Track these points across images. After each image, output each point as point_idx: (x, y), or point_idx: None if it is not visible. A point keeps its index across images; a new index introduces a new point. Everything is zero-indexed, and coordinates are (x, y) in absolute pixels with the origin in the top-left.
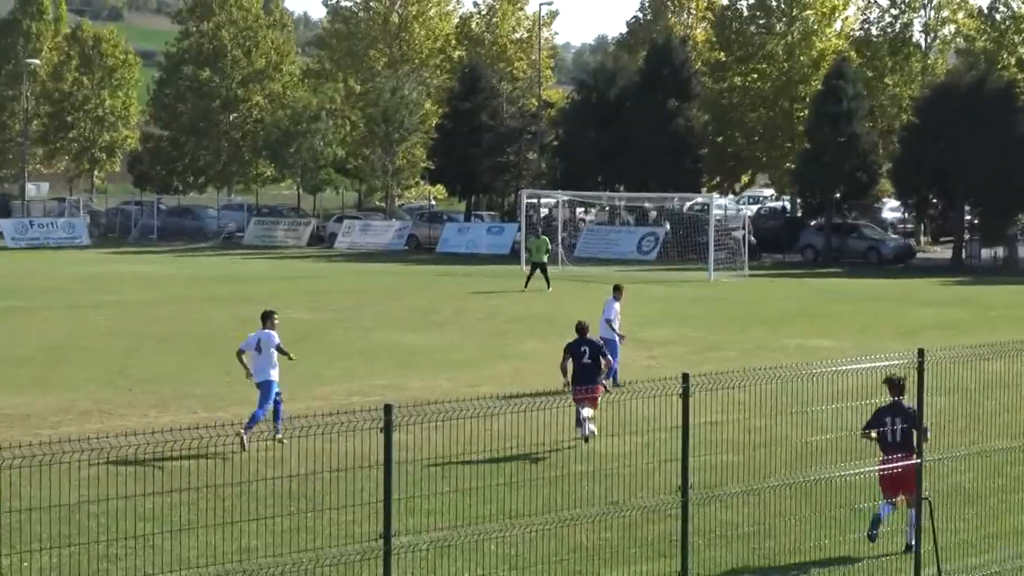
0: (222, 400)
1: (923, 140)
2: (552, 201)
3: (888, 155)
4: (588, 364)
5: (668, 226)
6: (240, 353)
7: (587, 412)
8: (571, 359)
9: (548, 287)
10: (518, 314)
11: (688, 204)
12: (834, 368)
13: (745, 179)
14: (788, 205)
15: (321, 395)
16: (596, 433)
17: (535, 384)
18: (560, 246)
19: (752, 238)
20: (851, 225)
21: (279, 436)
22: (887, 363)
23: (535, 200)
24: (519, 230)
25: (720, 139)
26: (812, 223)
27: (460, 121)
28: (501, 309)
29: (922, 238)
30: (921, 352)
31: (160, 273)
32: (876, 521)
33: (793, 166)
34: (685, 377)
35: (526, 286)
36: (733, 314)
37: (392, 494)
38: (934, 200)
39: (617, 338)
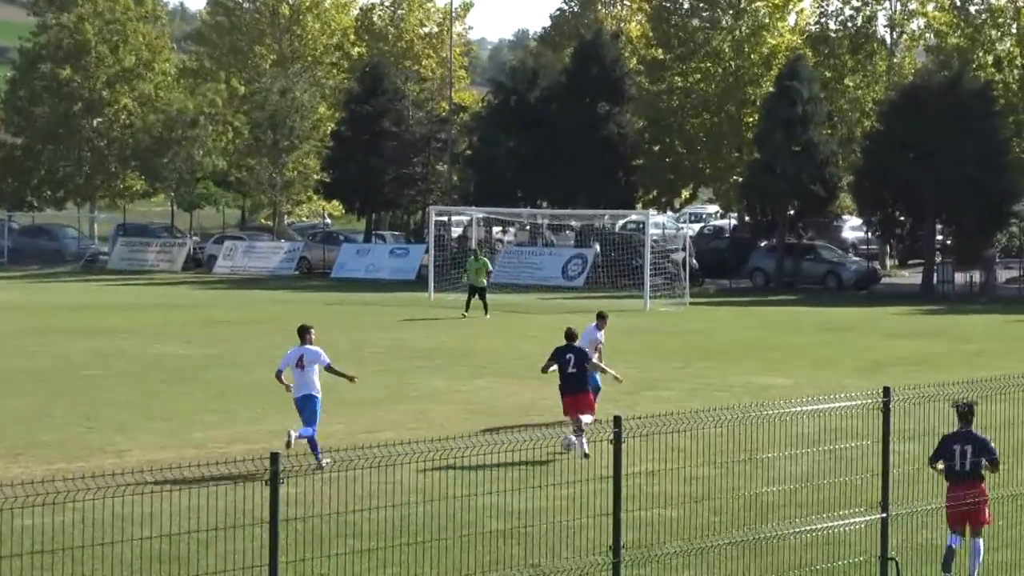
0: (83, 448)
1: (888, 149)
2: (465, 219)
3: (849, 166)
4: (573, 374)
5: (598, 247)
6: (279, 374)
7: (587, 418)
8: (557, 366)
9: (486, 313)
10: (425, 348)
11: (621, 222)
12: (787, 409)
13: (686, 194)
14: (735, 223)
15: (197, 442)
16: (588, 454)
17: (444, 428)
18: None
19: (694, 261)
20: (806, 246)
21: (324, 462)
22: (847, 403)
23: (445, 218)
24: (426, 252)
25: (658, 148)
26: (762, 244)
27: (359, 127)
28: (406, 342)
29: (888, 261)
30: (887, 391)
31: (9, 301)
32: (950, 553)
33: (741, 179)
34: (617, 420)
35: (466, 311)
36: (672, 348)
37: (279, 556)
38: (901, 217)
39: (597, 375)
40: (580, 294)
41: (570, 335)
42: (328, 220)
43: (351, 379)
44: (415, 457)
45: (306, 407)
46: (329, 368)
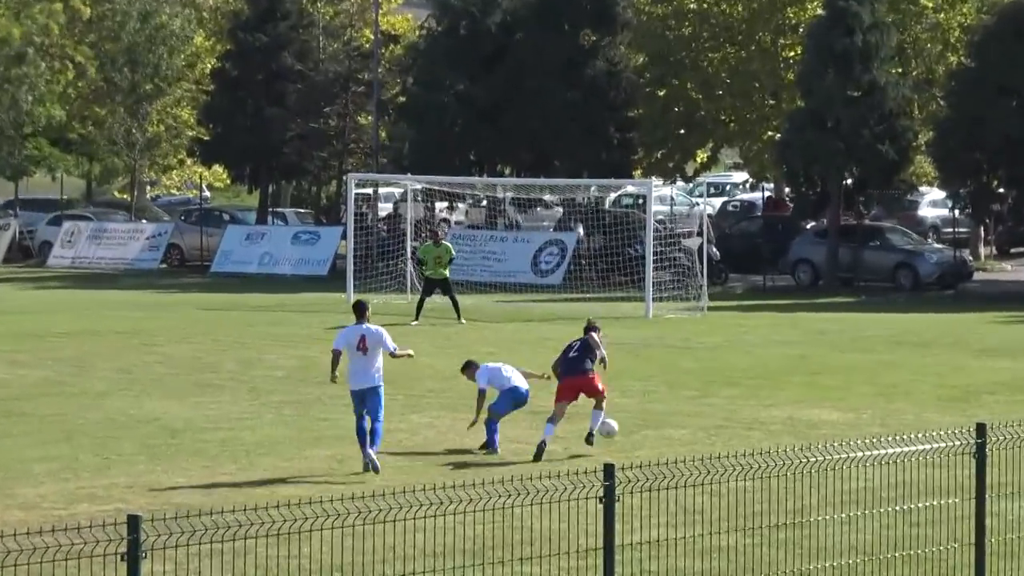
0: None
1: (983, 94)
2: (397, 191)
3: (928, 118)
4: (574, 357)
5: (581, 231)
6: (336, 354)
7: (613, 426)
8: (561, 352)
9: (459, 318)
10: (342, 371)
11: (613, 196)
12: (844, 455)
13: (703, 157)
14: (770, 197)
15: (28, 501)
16: (616, 428)
17: (369, 481)
18: (409, 264)
19: (714, 249)
20: (870, 229)
21: (374, 462)
22: (926, 447)
23: (370, 190)
24: (344, 237)
25: (663, 93)
26: (809, 226)
27: (250, 65)
28: (315, 363)
29: (982, 249)
30: (981, 430)
31: None
32: None
33: (779, 136)
34: (608, 470)
35: (417, 317)
36: (685, 370)
37: None
38: (1001, 189)
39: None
40: (556, 295)
41: (590, 327)
42: (207, 193)
43: (410, 355)
44: (329, 521)
45: (369, 401)
46: (393, 354)
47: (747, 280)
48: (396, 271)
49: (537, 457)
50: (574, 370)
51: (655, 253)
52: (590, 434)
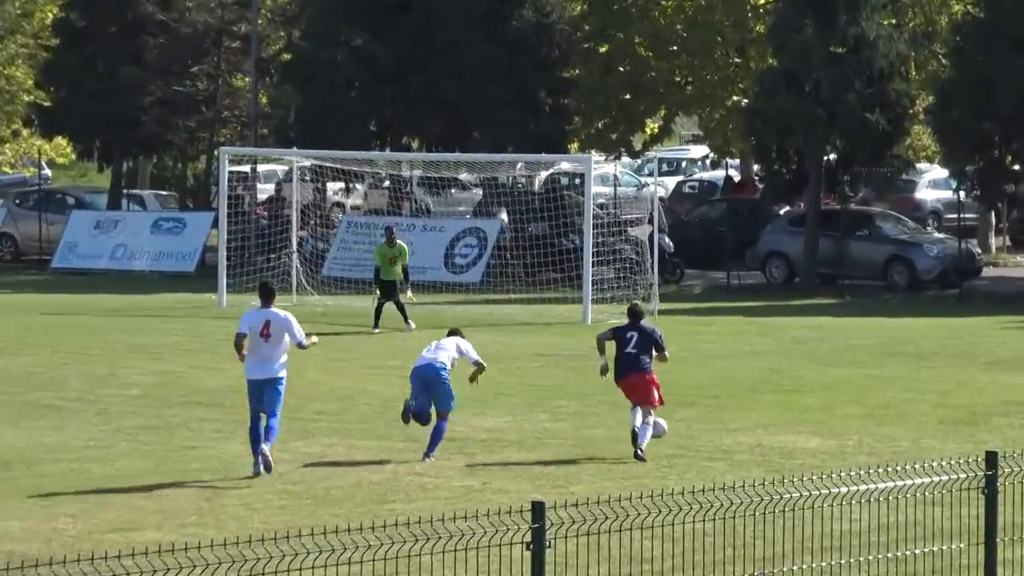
0: None
1: (993, 50)
2: (280, 169)
3: (928, 80)
4: (632, 354)
5: (505, 217)
6: (240, 338)
7: (650, 424)
8: (615, 344)
9: (408, 323)
10: (212, 388)
11: (544, 175)
12: (825, 491)
13: (653, 127)
14: (734, 176)
15: None
16: (666, 428)
17: (246, 526)
18: (294, 258)
19: (667, 240)
20: (858, 215)
21: (267, 460)
22: (925, 480)
23: (247, 168)
24: (215, 225)
25: (604, 49)
26: (782, 211)
27: (100, 15)
28: (180, 379)
29: (993, 239)
30: (992, 460)
31: None
32: None
33: (745, 101)
34: (537, 509)
35: (376, 325)
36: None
37: None
38: (1016, 167)
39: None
40: (474, 295)
41: (635, 312)
42: (48, 172)
43: (314, 342)
44: (195, 573)
45: (267, 393)
46: (300, 346)
47: (707, 277)
48: (280, 267)
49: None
50: (631, 368)
51: (595, 245)
52: (636, 452)
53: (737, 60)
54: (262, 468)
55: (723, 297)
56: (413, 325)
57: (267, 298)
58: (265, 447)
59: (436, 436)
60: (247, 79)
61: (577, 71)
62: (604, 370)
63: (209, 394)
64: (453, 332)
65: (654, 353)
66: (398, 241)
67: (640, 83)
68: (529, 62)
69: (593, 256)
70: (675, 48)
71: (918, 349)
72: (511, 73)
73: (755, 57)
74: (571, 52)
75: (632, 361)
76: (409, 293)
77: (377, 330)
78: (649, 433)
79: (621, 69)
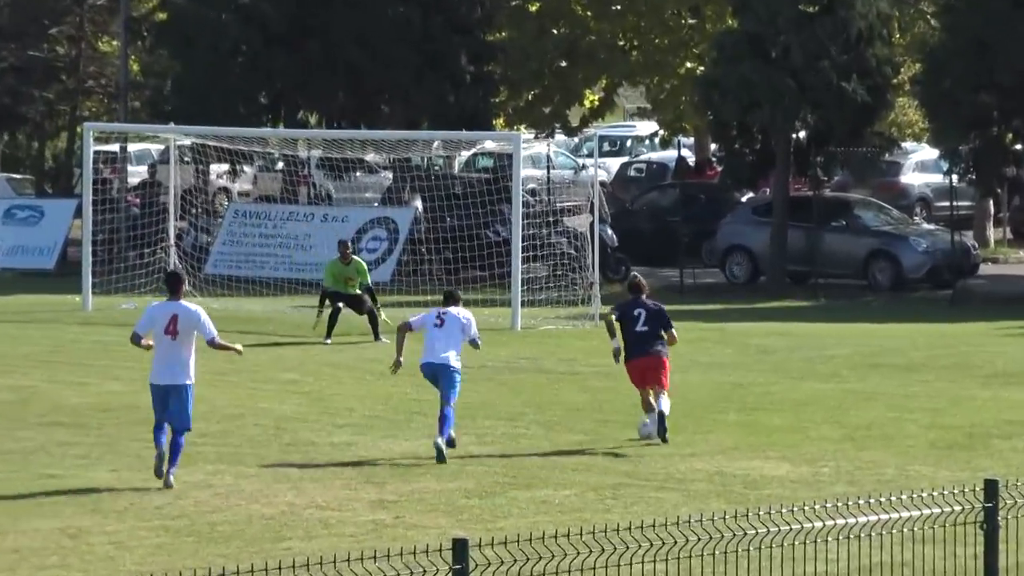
0: None
1: (991, 9)
2: (155, 148)
3: (916, 45)
4: (643, 333)
5: (419, 205)
6: (137, 339)
7: (663, 405)
8: (621, 324)
9: (378, 338)
10: (77, 406)
11: (465, 155)
12: (797, 526)
13: (593, 99)
14: (687, 156)
15: None
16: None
17: (118, 567)
18: (172, 253)
19: (610, 232)
20: (833, 203)
21: (168, 480)
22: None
23: (116, 148)
24: (77, 215)
25: (536, 8)
26: (744, 198)
27: None
28: (39, 396)
29: (991, 231)
30: (991, 489)
31: None
32: None
33: (701, 69)
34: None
35: (329, 335)
36: (569, 404)
37: None
38: (1017, 146)
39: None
40: (384, 297)
41: (637, 285)
42: None
43: (238, 352)
44: None
45: (172, 402)
46: (213, 343)
47: (657, 276)
48: (155, 263)
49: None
50: (643, 349)
51: (525, 238)
52: (662, 432)
53: (691, 21)
54: (165, 485)
55: (676, 299)
56: (385, 340)
57: (175, 289)
58: (170, 473)
59: (445, 422)
60: (115, 42)
61: (504, 34)
62: (617, 354)
63: (72, 413)
64: (450, 297)
65: (662, 333)
66: (354, 257)
67: (577, 48)
68: (447, 23)
69: (523, 251)
70: (619, 7)
71: (905, 360)
72: (426, 36)
73: (712, 17)
74: (496, 11)
75: (645, 341)
76: (383, 315)
77: (329, 341)
78: (667, 407)
79: (555, 31)
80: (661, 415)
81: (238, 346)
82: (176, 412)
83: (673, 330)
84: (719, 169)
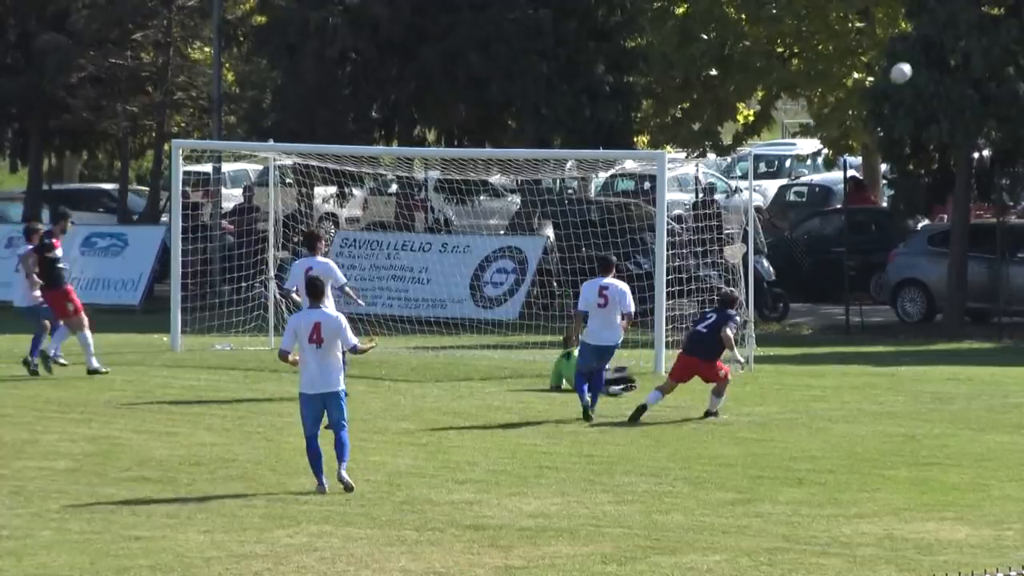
0: None
1: None
2: (253, 169)
3: None
4: (703, 334)
5: (551, 234)
6: (284, 355)
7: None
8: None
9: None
10: (165, 460)
11: (603, 177)
12: None
13: (747, 114)
14: (855, 177)
15: None
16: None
17: None
18: (272, 287)
19: (766, 264)
20: (1020, 231)
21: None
22: None
23: (209, 168)
24: (166, 242)
25: (683, 11)
26: (919, 225)
27: None
28: (122, 447)
29: None
30: None
31: None
32: None
33: (870, 80)
34: None
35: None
36: (720, 456)
37: None
38: None
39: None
40: (511, 336)
41: (730, 300)
42: None
43: (374, 346)
44: None
45: (332, 408)
46: (355, 350)
47: (819, 314)
48: (252, 298)
49: (633, 419)
50: (694, 349)
51: (670, 270)
52: (707, 412)
53: (859, 25)
54: (327, 486)
55: (841, 340)
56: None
57: (317, 296)
58: (342, 471)
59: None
60: (207, 49)
61: (647, 40)
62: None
63: (159, 467)
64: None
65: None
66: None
67: (730, 57)
68: (582, 28)
69: (668, 285)
70: (776, 9)
71: None
72: (558, 43)
73: (883, 21)
74: (638, 15)
75: (696, 341)
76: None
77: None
78: (719, 402)
79: (705, 36)
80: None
81: (374, 341)
82: (336, 418)
83: (725, 331)
84: (890, 193)
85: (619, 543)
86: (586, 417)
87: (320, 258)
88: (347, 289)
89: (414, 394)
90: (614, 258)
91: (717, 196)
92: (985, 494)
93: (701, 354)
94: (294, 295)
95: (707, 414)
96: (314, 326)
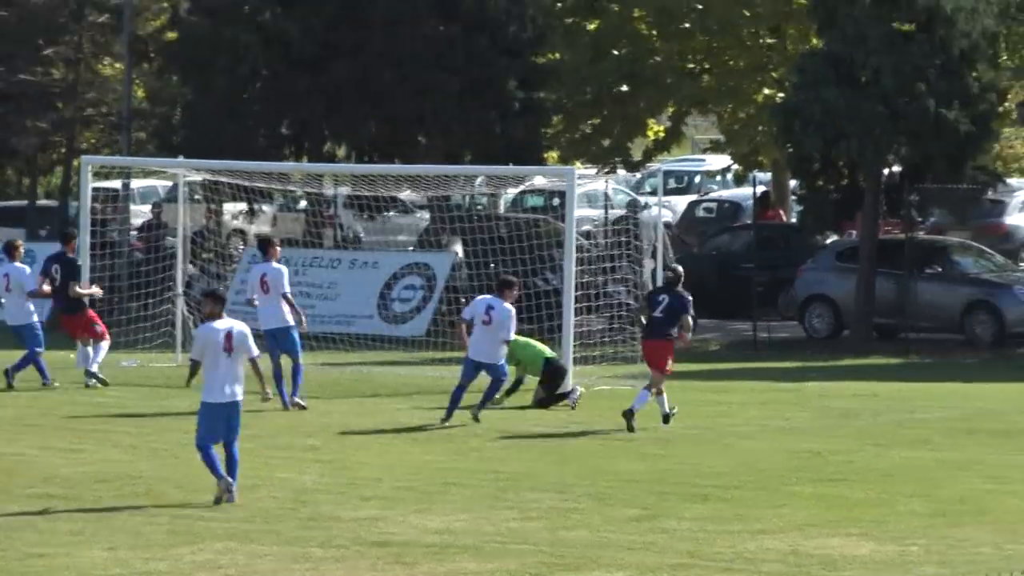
0: None
1: None
2: (162, 185)
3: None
4: (660, 319)
5: (459, 250)
6: (196, 366)
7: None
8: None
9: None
10: (71, 477)
11: (511, 193)
12: None
13: (657, 130)
14: (765, 191)
15: None
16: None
17: None
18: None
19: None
20: (928, 248)
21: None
22: None
23: (117, 186)
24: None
25: (594, 26)
26: (828, 240)
27: None
28: (26, 465)
29: None
30: None
31: None
32: None
33: (780, 96)
34: None
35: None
36: (624, 474)
37: None
38: None
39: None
40: (418, 353)
41: (676, 276)
42: None
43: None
44: None
45: (233, 417)
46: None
47: (727, 329)
48: (160, 315)
49: (627, 422)
50: (653, 332)
51: (579, 286)
52: (665, 416)
53: (770, 41)
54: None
55: (748, 356)
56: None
57: (221, 304)
58: (234, 488)
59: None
60: (118, 65)
61: (557, 55)
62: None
63: (64, 484)
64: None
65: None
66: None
67: (640, 72)
68: (492, 44)
69: (576, 301)
70: (688, 24)
71: (1006, 425)
72: (468, 59)
73: (794, 37)
74: (549, 31)
75: (656, 326)
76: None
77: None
78: (646, 398)
79: (616, 52)
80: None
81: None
82: (235, 427)
83: (685, 322)
84: (799, 209)
85: (524, 560)
86: (446, 418)
87: (275, 264)
88: (290, 305)
89: (320, 410)
90: (514, 281)
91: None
92: (890, 510)
93: (658, 335)
94: (255, 302)
95: (665, 418)
96: (226, 335)
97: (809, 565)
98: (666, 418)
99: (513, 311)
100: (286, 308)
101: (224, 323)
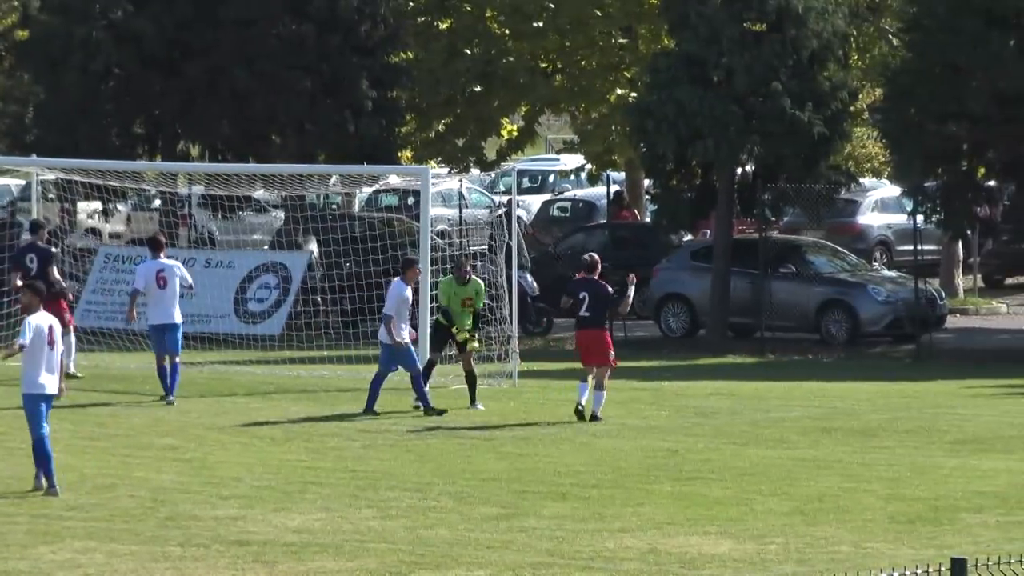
0: None
1: (961, 27)
2: (15, 185)
3: (876, 67)
4: (587, 317)
5: (315, 248)
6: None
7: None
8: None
9: (474, 403)
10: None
11: (367, 192)
12: None
13: (510, 130)
14: (618, 191)
15: None
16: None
17: None
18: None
19: (530, 279)
20: (782, 247)
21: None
22: None
23: None
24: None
25: (447, 26)
26: (683, 239)
27: None
28: None
29: (959, 279)
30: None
31: None
32: None
33: (634, 96)
34: None
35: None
36: (483, 472)
37: None
38: (991, 182)
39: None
40: (274, 352)
41: (590, 265)
42: None
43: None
44: None
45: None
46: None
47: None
48: (11, 314)
49: (580, 416)
50: (587, 322)
51: (434, 286)
52: (593, 415)
53: (623, 41)
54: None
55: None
56: (480, 406)
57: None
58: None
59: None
60: None
61: (410, 54)
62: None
63: None
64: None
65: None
66: (473, 277)
67: (494, 71)
68: (345, 43)
69: (431, 300)
70: (540, 24)
71: (862, 423)
72: (321, 58)
73: (646, 37)
74: (402, 30)
75: (585, 320)
76: (476, 343)
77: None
78: (602, 399)
79: (469, 52)
80: (593, 416)
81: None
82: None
83: (612, 307)
84: (652, 208)
85: (384, 558)
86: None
87: (164, 259)
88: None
89: (178, 409)
90: (415, 260)
91: (480, 211)
92: (748, 508)
93: (591, 324)
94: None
95: (593, 418)
96: (49, 328)
97: (668, 563)
98: (594, 417)
99: (405, 289)
100: (177, 307)
101: (46, 317)
